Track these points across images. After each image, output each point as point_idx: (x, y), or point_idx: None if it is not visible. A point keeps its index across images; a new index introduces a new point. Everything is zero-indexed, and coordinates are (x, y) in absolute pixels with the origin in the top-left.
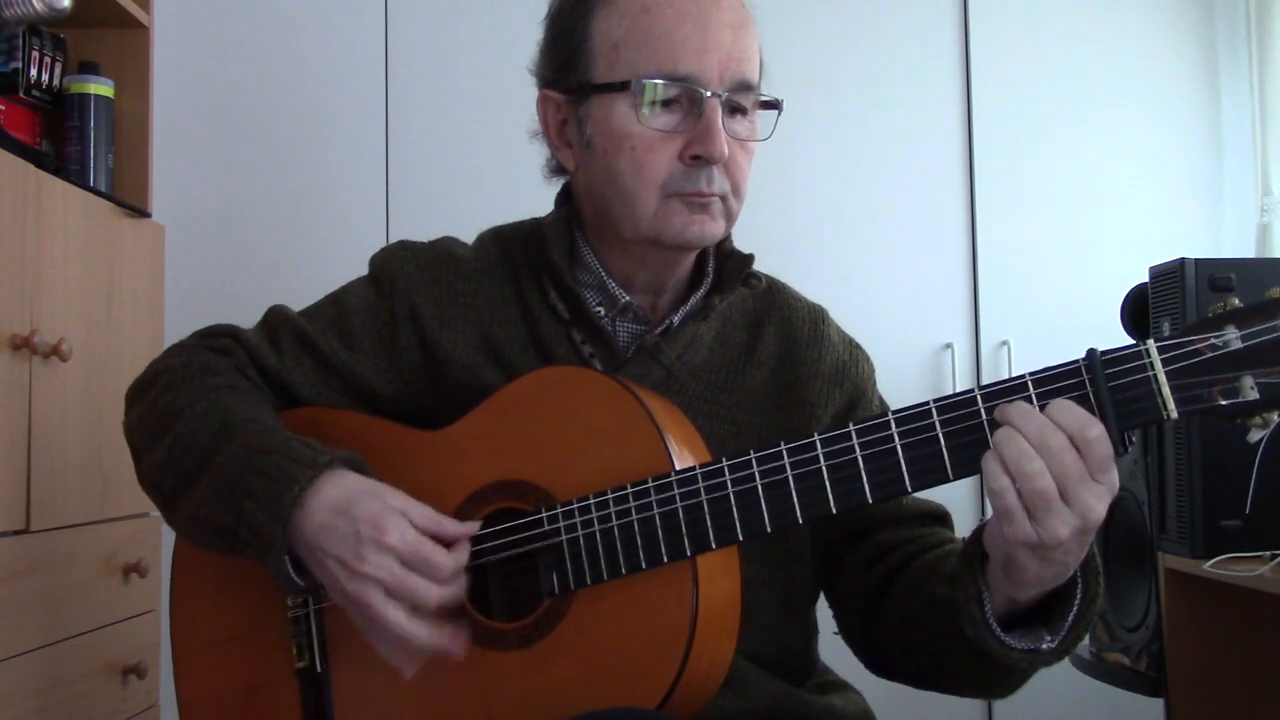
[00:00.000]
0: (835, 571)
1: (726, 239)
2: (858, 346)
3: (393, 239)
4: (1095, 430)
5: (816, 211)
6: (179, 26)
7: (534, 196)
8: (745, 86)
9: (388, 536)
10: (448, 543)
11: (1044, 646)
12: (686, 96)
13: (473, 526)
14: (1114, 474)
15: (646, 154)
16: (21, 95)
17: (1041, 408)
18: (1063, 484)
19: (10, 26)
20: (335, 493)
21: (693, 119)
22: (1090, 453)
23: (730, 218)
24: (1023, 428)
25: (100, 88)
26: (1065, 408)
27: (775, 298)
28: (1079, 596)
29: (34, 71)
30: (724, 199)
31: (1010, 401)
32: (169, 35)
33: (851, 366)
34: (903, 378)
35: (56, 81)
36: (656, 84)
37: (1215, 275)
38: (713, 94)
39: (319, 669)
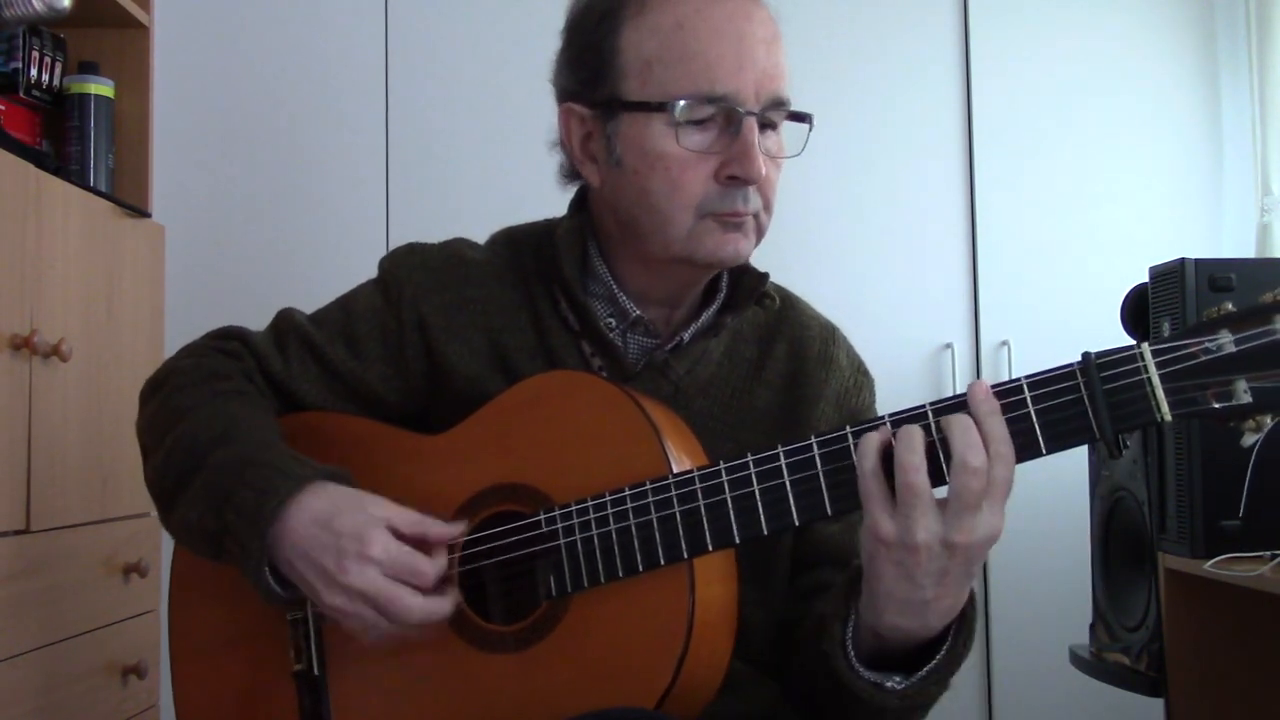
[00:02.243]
0: None
1: None
2: (865, 373)
3: (393, 239)
4: (979, 459)
5: (817, 211)
6: (179, 26)
7: (534, 196)
8: (778, 103)
9: (371, 549)
10: (434, 545)
11: (889, 684)
12: (722, 115)
13: (459, 529)
14: (994, 514)
15: (682, 175)
16: (21, 95)
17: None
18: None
19: (10, 26)
20: (318, 504)
21: (728, 138)
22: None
23: (760, 234)
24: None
25: (100, 88)
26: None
27: (788, 313)
28: (944, 648)
29: (34, 71)
30: (756, 216)
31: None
32: (169, 35)
33: (854, 394)
34: (903, 378)
35: (56, 81)
36: (693, 104)
37: (1215, 275)
38: (748, 112)
39: (316, 672)
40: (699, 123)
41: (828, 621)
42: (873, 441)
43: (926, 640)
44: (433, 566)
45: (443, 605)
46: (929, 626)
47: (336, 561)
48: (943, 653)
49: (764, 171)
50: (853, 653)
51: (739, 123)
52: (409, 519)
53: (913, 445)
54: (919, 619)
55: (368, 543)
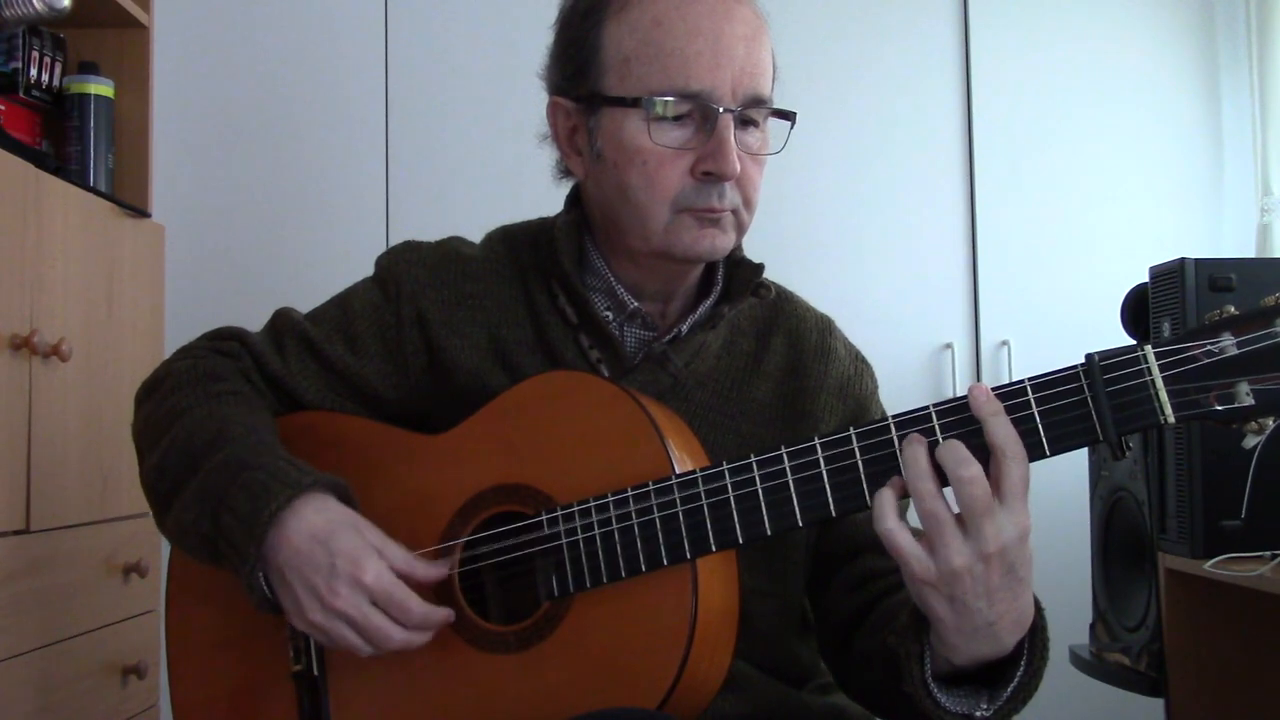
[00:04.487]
0: (821, 590)
1: (737, 248)
2: (863, 361)
3: (393, 239)
4: (973, 470)
5: (817, 212)
6: (179, 26)
7: (534, 196)
8: (757, 101)
9: (365, 575)
10: (421, 584)
11: (978, 715)
12: (699, 112)
13: (444, 570)
14: (1016, 512)
15: (658, 170)
16: (21, 95)
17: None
18: (968, 511)
19: (10, 26)
20: (317, 520)
21: (704, 134)
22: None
23: (741, 230)
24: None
25: (100, 88)
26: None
27: (784, 307)
28: (1022, 669)
29: (34, 71)
30: (735, 212)
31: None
32: (169, 35)
33: (856, 381)
34: (903, 378)
35: (56, 81)
36: (668, 100)
37: (1215, 275)
38: (725, 110)
39: (315, 672)
40: (676, 119)
41: (903, 661)
42: (887, 499)
43: (1004, 657)
44: (419, 607)
45: (421, 638)
46: (1004, 645)
47: (327, 582)
48: (1021, 673)
49: (739, 168)
50: (936, 691)
51: (714, 119)
52: (400, 556)
53: (922, 473)
54: (992, 643)
55: (362, 568)
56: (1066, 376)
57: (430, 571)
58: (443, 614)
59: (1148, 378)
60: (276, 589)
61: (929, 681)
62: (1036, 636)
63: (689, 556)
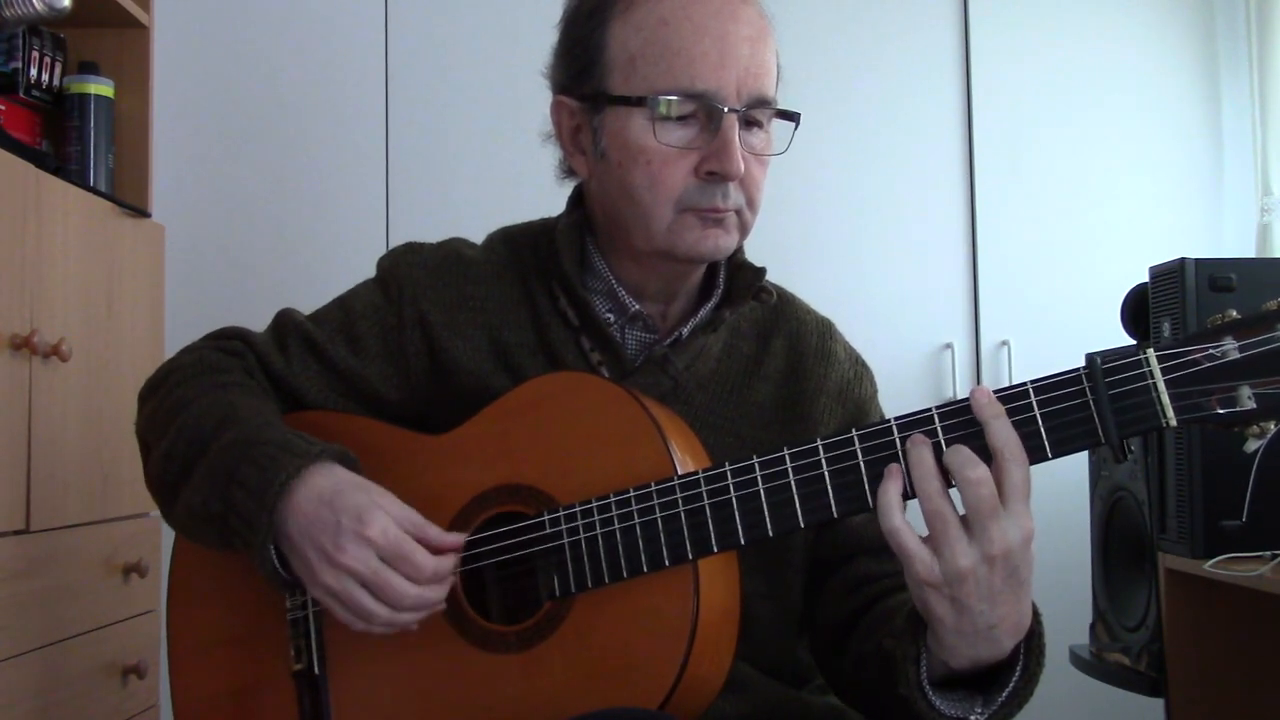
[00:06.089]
0: (815, 593)
1: (739, 250)
2: (863, 365)
3: (393, 239)
4: (980, 471)
5: (817, 212)
6: (179, 26)
7: (534, 196)
8: (762, 101)
9: (369, 530)
10: (433, 549)
11: (972, 718)
12: (703, 111)
13: (460, 538)
14: (1019, 515)
15: (662, 169)
16: (21, 95)
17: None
18: (973, 512)
19: (10, 26)
20: (323, 483)
21: (709, 134)
22: (1005, 484)
23: (744, 230)
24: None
25: (100, 88)
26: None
27: (785, 309)
28: (1017, 673)
29: (34, 71)
30: (738, 212)
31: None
32: (169, 35)
33: (855, 385)
34: (903, 378)
35: (56, 81)
36: (673, 100)
37: (1215, 275)
38: (729, 110)
39: (316, 671)
40: (681, 119)
41: (899, 663)
42: (892, 497)
43: (1000, 661)
44: (429, 560)
45: (436, 594)
46: (1003, 648)
47: (334, 540)
48: (1016, 678)
49: (743, 168)
50: (932, 694)
51: (719, 119)
52: (409, 517)
53: (928, 472)
54: (991, 646)
55: (366, 523)
56: (1069, 379)
57: (445, 538)
58: (452, 562)
59: (1150, 381)
60: (290, 559)
61: (924, 684)
62: (1033, 642)
63: (690, 557)
